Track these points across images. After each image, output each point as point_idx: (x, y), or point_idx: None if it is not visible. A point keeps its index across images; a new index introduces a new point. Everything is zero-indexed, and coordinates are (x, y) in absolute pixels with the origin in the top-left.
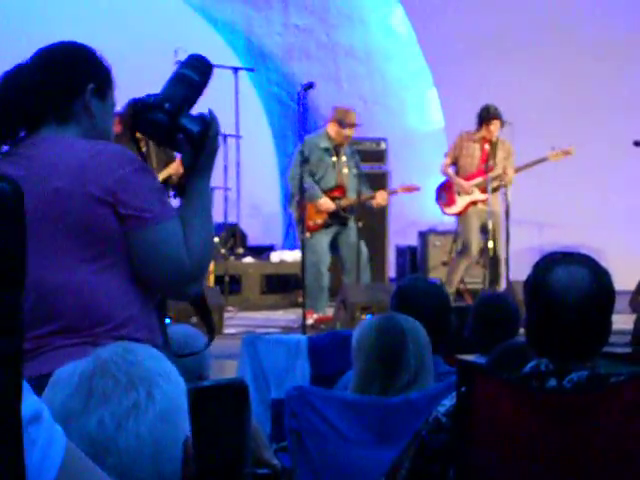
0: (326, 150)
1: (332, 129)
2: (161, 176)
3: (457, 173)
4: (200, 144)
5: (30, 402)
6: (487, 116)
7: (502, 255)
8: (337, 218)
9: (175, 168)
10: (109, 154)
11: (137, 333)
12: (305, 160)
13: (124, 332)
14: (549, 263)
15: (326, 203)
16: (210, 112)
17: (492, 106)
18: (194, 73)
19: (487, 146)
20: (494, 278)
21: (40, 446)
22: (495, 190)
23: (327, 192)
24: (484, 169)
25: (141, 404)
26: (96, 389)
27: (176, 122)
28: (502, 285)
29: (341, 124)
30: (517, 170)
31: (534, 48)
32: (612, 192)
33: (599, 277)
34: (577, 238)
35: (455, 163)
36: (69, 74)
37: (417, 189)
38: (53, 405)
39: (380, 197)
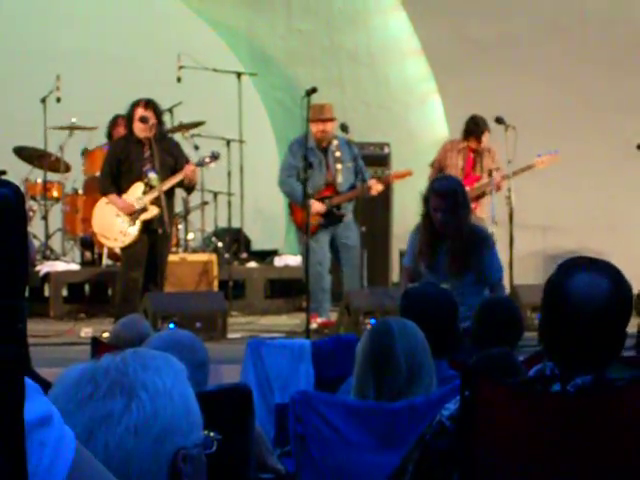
0: (310, 150)
1: (313, 127)
2: (172, 181)
3: None
4: None
5: (40, 405)
6: (476, 129)
7: None
8: (331, 217)
9: (185, 173)
10: None
11: None
12: (291, 162)
13: None
14: (570, 268)
15: (315, 206)
16: None
17: (479, 117)
18: None
19: (472, 155)
20: None
21: (50, 448)
22: (480, 197)
23: (317, 192)
24: (470, 178)
25: (115, 415)
26: (80, 393)
27: None
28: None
29: (317, 120)
30: (505, 178)
31: (537, 52)
32: (616, 195)
33: (619, 290)
34: (580, 242)
35: (441, 172)
36: None
37: (410, 174)
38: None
39: (374, 186)
